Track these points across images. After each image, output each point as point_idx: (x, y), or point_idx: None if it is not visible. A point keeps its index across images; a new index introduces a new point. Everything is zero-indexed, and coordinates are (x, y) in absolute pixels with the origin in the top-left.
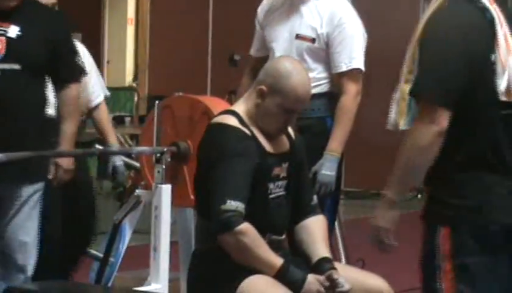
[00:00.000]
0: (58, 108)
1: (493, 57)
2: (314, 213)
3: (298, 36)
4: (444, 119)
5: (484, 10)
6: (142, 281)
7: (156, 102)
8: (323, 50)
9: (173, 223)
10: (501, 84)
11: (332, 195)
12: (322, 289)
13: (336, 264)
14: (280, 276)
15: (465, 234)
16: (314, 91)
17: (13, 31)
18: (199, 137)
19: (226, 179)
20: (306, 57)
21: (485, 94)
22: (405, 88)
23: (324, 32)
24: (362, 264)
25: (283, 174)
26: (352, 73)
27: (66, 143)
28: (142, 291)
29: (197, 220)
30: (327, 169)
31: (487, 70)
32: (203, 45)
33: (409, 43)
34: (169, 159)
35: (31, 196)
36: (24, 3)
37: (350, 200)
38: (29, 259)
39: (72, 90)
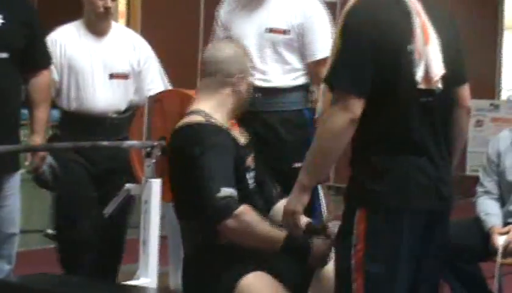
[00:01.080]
0: (29, 95)
1: (410, 48)
2: (278, 202)
3: (269, 30)
4: (356, 107)
5: (400, 2)
6: (131, 275)
7: (147, 96)
8: (296, 41)
9: (162, 218)
10: (418, 73)
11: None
12: (329, 249)
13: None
14: (288, 244)
15: (380, 217)
16: (291, 83)
17: None
18: None
19: (214, 169)
20: (281, 50)
21: (405, 83)
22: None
23: (297, 23)
24: None
25: (252, 165)
26: (327, 61)
27: (40, 129)
28: (131, 285)
29: (180, 225)
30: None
31: (405, 60)
32: (194, 40)
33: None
34: (159, 154)
35: (15, 187)
36: None
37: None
38: (14, 250)
39: (45, 76)
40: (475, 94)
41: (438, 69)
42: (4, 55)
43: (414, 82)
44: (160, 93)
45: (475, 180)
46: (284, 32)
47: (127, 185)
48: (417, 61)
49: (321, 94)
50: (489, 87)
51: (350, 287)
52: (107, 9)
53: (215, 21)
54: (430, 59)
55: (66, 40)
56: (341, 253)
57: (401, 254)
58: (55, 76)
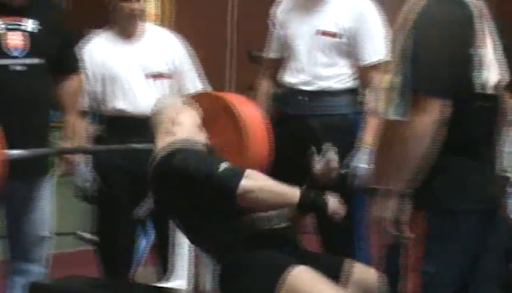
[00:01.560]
0: (60, 99)
1: (472, 52)
2: None
3: (321, 32)
4: (437, 110)
5: (464, 4)
6: (161, 276)
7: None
8: (346, 44)
9: None
10: (478, 77)
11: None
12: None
13: (358, 265)
14: (305, 199)
15: (439, 218)
16: (337, 86)
17: (31, 25)
18: (219, 133)
19: (200, 161)
20: (331, 53)
21: (464, 86)
22: (394, 78)
23: (348, 26)
24: None
25: None
26: (378, 66)
27: (71, 134)
28: (163, 287)
29: (203, 250)
30: (360, 161)
31: (467, 63)
32: (222, 42)
33: (394, 36)
34: None
35: (46, 190)
36: None
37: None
38: (47, 252)
39: (75, 80)
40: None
41: (495, 74)
42: (40, 61)
43: (472, 86)
44: (191, 94)
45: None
46: (336, 35)
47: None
48: (478, 65)
49: (382, 92)
50: None
51: (405, 286)
52: (133, 11)
53: (270, 20)
54: (491, 65)
55: (100, 50)
56: (397, 253)
57: (460, 255)
58: (96, 87)
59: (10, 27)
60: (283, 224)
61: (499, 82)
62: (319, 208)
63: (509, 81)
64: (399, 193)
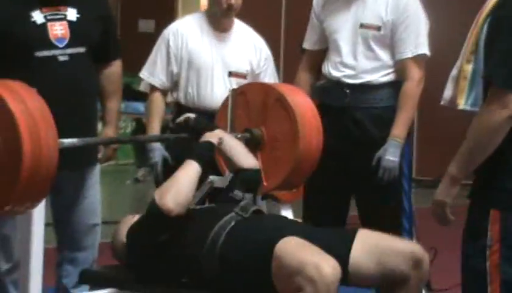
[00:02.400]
0: (101, 86)
1: None
2: None
3: (363, 25)
4: None
5: None
6: None
7: (231, 88)
8: (388, 37)
9: None
10: None
11: (408, 182)
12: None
13: (365, 230)
14: (200, 159)
15: None
16: (382, 80)
17: (72, 14)
18: (272, 123)
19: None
20: (373, 46)
21: None
22: (466, 67)
23: (390, 19)
24: (435, 253)
25: None
26: (417, 59)
27: (112, 120)
28: None
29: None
30: (390, 154)
31: None
32: (276, 34)
33: (473, 25)
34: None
35: (95, 179)
36: None
37: (422, 189)
38: (97, 240)
39: (116, 66)
40: None
41: None
42: (82, 49)
43: None
44: (243, 85)
45: None
46: (378, 28)
47: (211, 177)
48: None
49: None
50: None
51: (485, 289)
52: (230, 6)
53: (312, 12)
54: None
55: (189, 33)
56: (474, 254)
57: None
58: (174, 68)
59: (49, 17)
60: (254, 208)
61: None
62: (211, 150)
63: None
64: (460, 179)
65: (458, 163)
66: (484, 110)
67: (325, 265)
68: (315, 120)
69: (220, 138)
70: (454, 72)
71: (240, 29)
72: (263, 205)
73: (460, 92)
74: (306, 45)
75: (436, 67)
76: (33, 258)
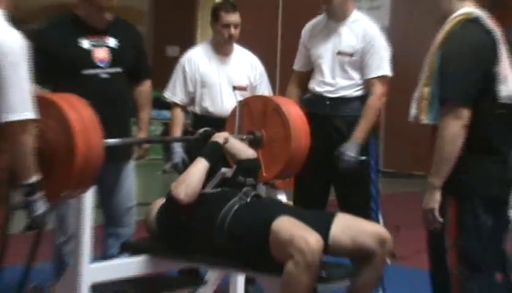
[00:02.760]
0: (135, 100)
1: (495, 69)
2: None
3: (339, 53)
4: (465, 115)
5: (490, 32)
6: None
7: (237, 100)
8: (359, 61)
9: None
10: (502, 90)
11: (375, 174)
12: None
13: (342, 214)
14: (208, 156)
15: (469, 202)
16: (354, 94)
17: (112, 42)
18: (270, 127)
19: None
20: (347, 68)
21: (488, 97)
22: (425, 90)
23: (359, 48)
24: (398, 230)
25: None
26: (380, 79)
27: (144, 127)
28: None
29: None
30: (349, 150)
31: (491, 79)
32: (273, 57)
33: (427, 56)
34: (247, 144)
35: (131, 170)
36: (114, 20)
37: (387, 178)
38: (134, 219)
39: (146, 85)
40: None
41: None
42: (119, 69)
43: (496, 97)
44: (247, 98)
45: None
46: (351, 54)
47: (223, 169)
48: (501, 80)
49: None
50: None
51: (446, 258)
52: (231, 36)
53: (300, 42)
54: (509, 80)
55: (199, 59)
56: (438, 231)
57: (486, 229)
58: (190, 88)
59: (95, 44)
60: (253, 193)
61: None
62: (218, 148)
63: None
64: (439, 187)
65: (435, 173)
66: (444, 124)
67: (311, 238)
68: (304, 125)
69: (225, 138)
70: (416, 94)
71: (238, 52)
72: (263, 190)
73: (422, 111)
74: (296, 67)
75: (401, 82)
76: (83, 233)
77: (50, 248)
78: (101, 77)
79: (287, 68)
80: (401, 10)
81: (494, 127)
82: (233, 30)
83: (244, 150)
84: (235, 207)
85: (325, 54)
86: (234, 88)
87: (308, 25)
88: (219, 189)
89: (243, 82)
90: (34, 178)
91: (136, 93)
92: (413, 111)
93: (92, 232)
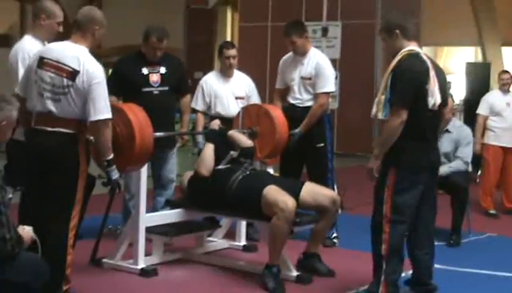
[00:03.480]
0: (179, 108)
1: (426, 87)
2: None
3: (302, 77)
4: (404, 115)
5: (425, 63)
6: None
7: (241, 107)
8: (313, 82)
9: None
10: (429, 101)
11: (331, 154)
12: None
13: (309, 183)
14: (210, 137)
15: (403, 170)
16: (310, 104)
17: (162, 69)
18: (262, 124)
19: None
20: (308, 87)
21: (422, 105)
22: (381, 97)
23: (313, 73)
24: (344, 191)
25: None
26: (321, 94)
27: (185, 125)
28: None
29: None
30: (294, 134)
31: (424, 92)
32: (263, 76)
33: (382, 77)
34: (247, 136)
35: (173, 154)
36: (165, 55)
37: (341, 158)
38: (174, 185)
39: (187, 98)
40: None
41: (438, 99)
42: (166, 88)
43: (427, 105)
44: (247, 105)
45: None
46: (309, 78)
47: (231, 152)
48: (430, 94)
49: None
50: None
51: (386, 208)
52: (230, 64)
53: (279, 68)
54: (435, 94)
55: (212, 81)
56: (380, 188)
57: (414, 191)
58: (207, 99)
59: (151, 71)
60: (251, 168)
61: (439, 103)
62: (215, 132)
63: (442, 102)
64: (381, 157)
65: (378, 147)
66: (390, 119)
67: (288, 201)
68: (284, 123)
69: (218, 125)
70: (376, 100)
71: (237, 74)
72: (257, 165)
73: (379, 110)
74: (277, 86)
75: (349, 91)
76: (141, 193)
77: (120, 203)
78: (154, 93)
79: (273, 84)
80: (347, 47)
81: (425, 123)
82: (232, 61)
83: (244, 141)
84: (239, 177)
85: (294, 78)
86: (236, 98)
87: (283, 59)
88: (228, 165)
89: (242, 94)
90: (111, 156)
91: (181, 103)
92: (374, 110)
93: (147, 192)
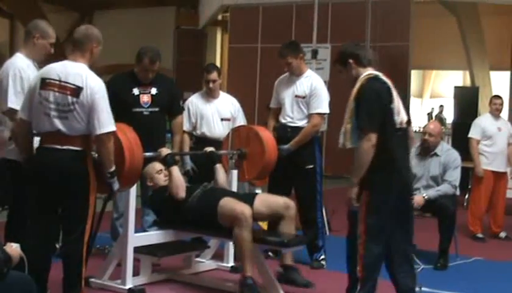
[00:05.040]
0: (171, 128)
1: (391, 106)
2: None
3: (296, 96)
4: (373, 138)
5: (386, 83)
6: None
7: (226, 128)
8: (308, 102)
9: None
10: (396, 119)
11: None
12: None
13: (262, 194)
14: (168, 161)
15: (374, 191)
16: (302, 124)
17: (153, 90)
18: (252, 146)
19: None
20: (301, 106)
21: (390, 124)
22: (347, 126)
23: (307, 92)
24: (333, 212)
25: None
26: (316, 114)
27: (176, 147)
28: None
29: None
30: (283, 149)
31: (389, 112)
32: (252, 97)
33: (348, 101)
34: (236, 157)
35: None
36: (156, 76)
37: (329, 179)
38: None
39: (179, 118)
40: None
41: (404, 117)
42: (157, 109)
43: (394, 124)
44: (237, 126)
45: None
46: (303, 97)
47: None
48: (395, 113)
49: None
50: None
51: (360, 229)
52: (215, 88)
53: (274, 88)
54: (401, 111)
55: (198, 102)
56: (356, 210)
57: (386, 214)
58: (193, 120)
59: (142, 92)
60: (210, 186)
61: (405, 120)
62: (173, 157)
63: (408, 119)
64: (357, 184)
65: (354, 175)
66: (360, 144)
67: (244, 209)
68: (273, 144)
69: (165, 151)
70: (342, 129)
71: (223, 95)
72: (246, 187)
73: (347, 140)
74: (272, 105)
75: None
76: (130, 212)
77: (108, 222)
78: (144, 114)
79: (263, 105)
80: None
81: (394, 142)
82: (211, 85)
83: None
84: (199, 194)
85: (287, 97)
86: (222, 119)
87: (278, 80)
88: (189, 185)
89: (227, 115)
90: (113, 168)
91: (172, 124)
92: (341, 140)
93: (135, 212)
